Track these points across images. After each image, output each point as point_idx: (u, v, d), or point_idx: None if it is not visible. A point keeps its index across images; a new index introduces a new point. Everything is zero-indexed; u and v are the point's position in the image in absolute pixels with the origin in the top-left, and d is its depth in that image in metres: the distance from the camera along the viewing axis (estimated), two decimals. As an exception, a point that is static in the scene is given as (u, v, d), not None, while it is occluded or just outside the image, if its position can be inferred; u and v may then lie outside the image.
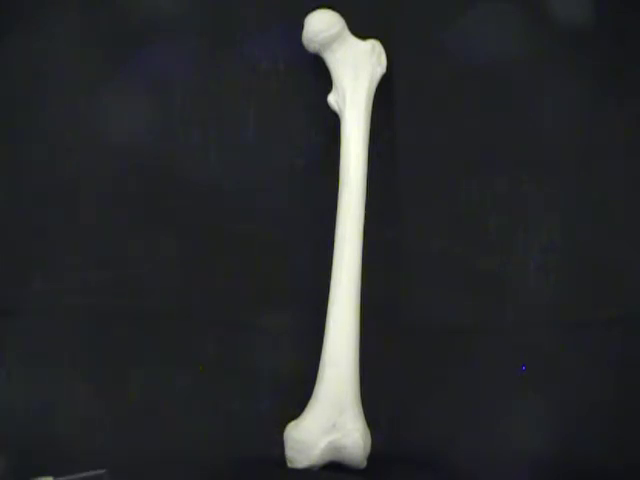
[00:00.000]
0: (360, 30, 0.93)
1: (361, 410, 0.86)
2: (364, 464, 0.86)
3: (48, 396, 0.91)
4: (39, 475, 0.78)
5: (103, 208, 0.94)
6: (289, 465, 0.85)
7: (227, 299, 0.94)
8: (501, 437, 0.90)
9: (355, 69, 0.92)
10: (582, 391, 0.91)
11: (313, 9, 0.92)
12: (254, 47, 0.96)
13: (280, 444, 0.86)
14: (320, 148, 0.95)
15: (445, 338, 0.93)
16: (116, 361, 0.92)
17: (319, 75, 0.94)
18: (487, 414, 0.91)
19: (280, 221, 0.95)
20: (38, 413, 0.90)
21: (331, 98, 0.93)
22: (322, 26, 0.91)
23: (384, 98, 0.94)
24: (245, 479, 0.87)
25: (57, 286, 0.93)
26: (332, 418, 0.85)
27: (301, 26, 0.92)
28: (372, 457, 0.87)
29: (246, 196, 0.95)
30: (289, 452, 0.85)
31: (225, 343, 0.93)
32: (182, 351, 0.93)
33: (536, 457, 0.89)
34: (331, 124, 0.93)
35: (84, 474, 0.76)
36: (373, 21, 0.95)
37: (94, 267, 0.94)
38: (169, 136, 0.95)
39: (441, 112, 0.95)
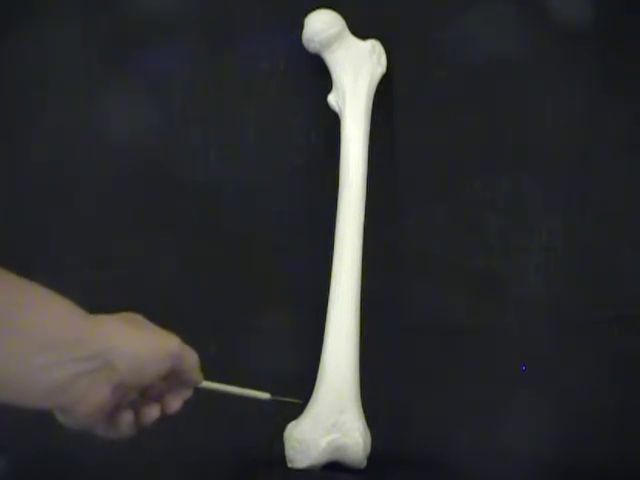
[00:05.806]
0: (360, 30, 0.93)
1: (361, 410, 0.86)
2: (364, 464, 0.86)
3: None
4: None
5: (103, 208, 0.94)
6: (289, 465, 0.85)
7: (227, 299, 0.94)
8: (501, 437, 0.90)
9: (355, 69, 0.92)
10: (582, 391, 0.91)
11: (313, 9, 0.92)
12: (254, 47, 0.96)
13: (280, 444, 0.86)
14: (320, 148, 0.95)
15: (445, 338, 0.93)
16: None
17: (319, 75, 0.94)
18: (487, 414, 0.91)
19: (280, 221, 0.95)
20: (38, 415, 0.90)
21: (331, 98, 0.93)
22: (322, 26, 0.91)
23: (384, 98, 0.94)
24: (245, 479, 0.87)
25: (57, 286, 0.93)
26: (332, 418, 0.85)
27: (301, 26, 0.92)
28: (372, 457, 0.87)
29: (246, 196, 0.95)
30: (289, 452, 0.85)
31: (225, 343, 0.93)
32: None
33: (536, 457, 0.89)
34: (331, 124, 0.93)
35: None
36: (373, 21, 0.95)
37: (94, 267, 0.94)
38: (169, 136, 0.95)
39: (441, 112, 0.95)
